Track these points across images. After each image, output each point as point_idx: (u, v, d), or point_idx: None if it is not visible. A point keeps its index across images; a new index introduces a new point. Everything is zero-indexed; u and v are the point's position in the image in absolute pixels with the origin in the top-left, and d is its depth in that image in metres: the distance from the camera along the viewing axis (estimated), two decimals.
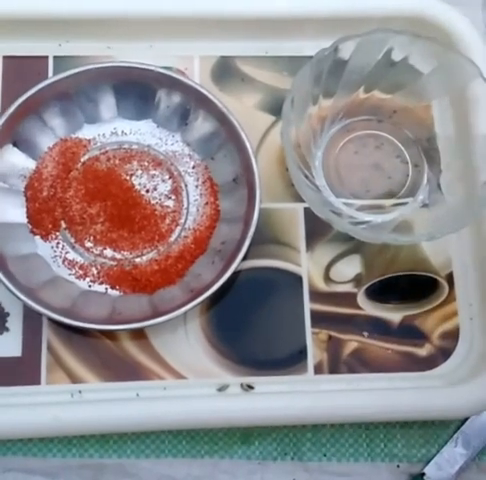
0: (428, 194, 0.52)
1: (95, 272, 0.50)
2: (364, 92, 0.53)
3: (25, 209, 0.51)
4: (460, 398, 0.48)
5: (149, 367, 0.49)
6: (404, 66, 0.50)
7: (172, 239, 0.51)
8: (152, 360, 0.49)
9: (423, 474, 0.49)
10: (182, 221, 0.52)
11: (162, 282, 0.50)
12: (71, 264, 0.50)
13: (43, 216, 0.51)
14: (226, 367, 0.50)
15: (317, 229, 0.52)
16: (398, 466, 0.49)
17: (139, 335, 0.50)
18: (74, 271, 0.50)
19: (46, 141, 0.52)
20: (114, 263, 0.51)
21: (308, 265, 0.52)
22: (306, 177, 0.50)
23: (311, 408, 0.48)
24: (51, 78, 0.50)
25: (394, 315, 0.51)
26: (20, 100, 0.49)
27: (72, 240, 0.51)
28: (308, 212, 0.52)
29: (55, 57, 0.54)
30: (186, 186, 0.52)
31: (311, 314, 0.51)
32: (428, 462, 0.49)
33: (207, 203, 0.52)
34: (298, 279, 0.52)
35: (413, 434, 0.50)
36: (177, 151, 0.53)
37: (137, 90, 0.52)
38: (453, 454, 0.49)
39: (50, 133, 0.52)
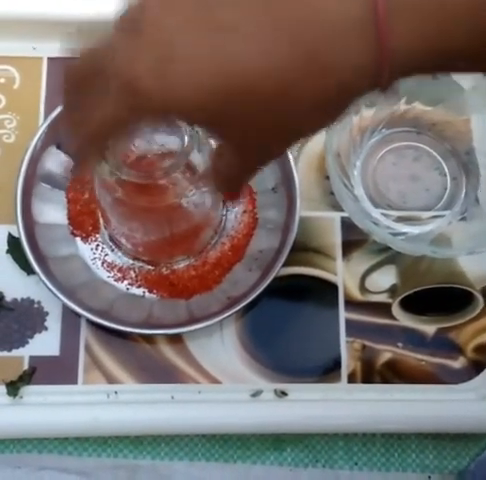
0: (466, 208, 0.52)
1: (133, 275, 0.51)
2: (405, 104, 0.53)
3: (66, 211, 0.52)
4: None
5: (184, 370, 0.50)
6: (446, 80, 0.50)
7: (210, 246, 0.52)
8: (188, 364, 0.50)
9: None
10: (220, 228, 0.52)
11: (199, 288, 0.50)
12: (110, 266, 0.51)
13: (84, 218, 0.51)
14: (260, 373, 0.50)
15: (353, 238, 0.53)
16: (429, 477, 0.49)
17: (175, 339, 0.50)
18: (113, 274, 0.51)
19: None
20: (152, 267, 0.51)
21: (344, 274, 0.52)
22: (345, 186, 0.51)
23: (344, 417, 0.48)
24: None
25: (428, 327, 0.52)
26: None
27: (111, 243, 0.51)
28: (345, 221, 0.53)
29: None
30: None
31: (346, 323, 0.51)
32: (459, 474, 0.50)
33: (245, 211, 0.52)
34: (333, 288, 0.52)
35: (445, 446, 0.50)
36: None
37: None
38: (485, 468, 0.49)
39: None
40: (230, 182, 0.34)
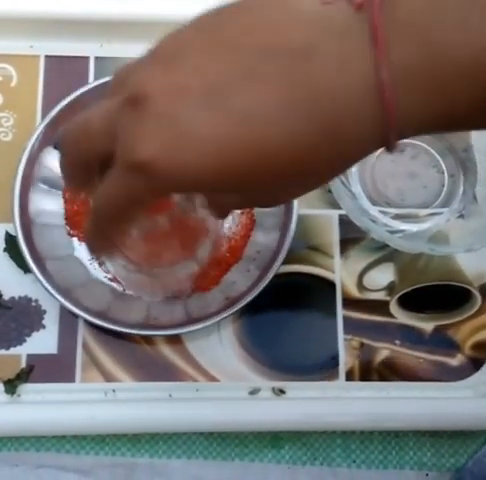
0: (464, 205, 0.52)
1: None
2: None
3: (63, 211, 0.51)
4: None
5: (182, 368, 0.50)
6: None
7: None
8: (185, 362, 0.50)
9: None
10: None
11: (197, 289, 0.50)
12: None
13: (81, 218, 0.51)
14: (258, 371, 0.50)
15: (351, 236, 0.53)
16: (427, 475, 0.49)
17: (174, 339, 0.50)
18: (110, 274, 0.51)
19: None
20: None
21: (341, 272, 0.52)
22: (343, 184, 0.51)
23: (342, 414, 0.48)
24: (93, 82, 0.51)
25: (426, 324, 0.52)
26: (62, 103, 0.50)
27: None
28: (343, 219, 0.53)
29: (96, 58, 0.55)
30: None
31: (344, 321, 0.51)
32: (457, 472, 0.50)
33: (242, 212, 0.52)
34: (331, 285, 0.52)
35: (443, 443, 0.50)
36: None
37: None
38: (482, 465, 0.49)
39: None
40: (223, 212, 0.36)
